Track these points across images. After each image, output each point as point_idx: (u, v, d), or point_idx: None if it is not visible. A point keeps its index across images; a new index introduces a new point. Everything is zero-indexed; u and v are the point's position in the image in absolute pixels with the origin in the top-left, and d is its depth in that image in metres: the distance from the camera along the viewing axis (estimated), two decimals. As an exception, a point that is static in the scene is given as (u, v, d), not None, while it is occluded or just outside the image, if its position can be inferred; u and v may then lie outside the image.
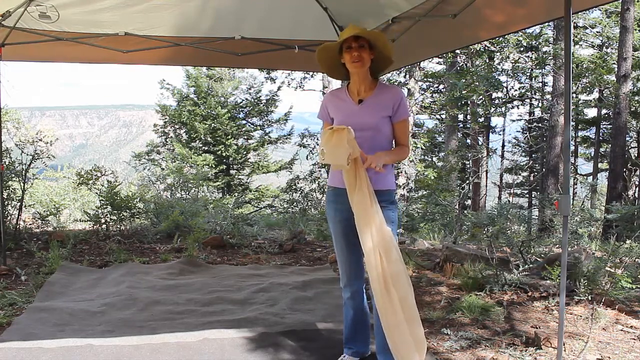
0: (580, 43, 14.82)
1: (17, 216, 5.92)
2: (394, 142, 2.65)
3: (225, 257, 5.53)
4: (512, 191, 16.40)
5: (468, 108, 14.42)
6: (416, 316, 2.42)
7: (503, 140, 17.96)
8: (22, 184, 6.00)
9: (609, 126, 15.27)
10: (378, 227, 2.39)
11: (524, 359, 2.87)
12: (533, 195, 16.54)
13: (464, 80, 11.85)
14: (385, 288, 2.37)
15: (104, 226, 6.39)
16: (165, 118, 16.98)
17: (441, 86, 16.50)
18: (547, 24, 11.97)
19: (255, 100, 17.34)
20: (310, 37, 4.61)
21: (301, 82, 15.29)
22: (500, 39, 12.36)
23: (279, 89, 17.15)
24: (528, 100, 17.54)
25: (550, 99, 12.55)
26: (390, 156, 2.54)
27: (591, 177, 15.95)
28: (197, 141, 16.56)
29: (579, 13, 10.49)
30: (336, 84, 13.63)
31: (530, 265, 4.24)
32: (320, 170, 13.25)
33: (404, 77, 13.72)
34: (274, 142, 17.54)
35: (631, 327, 3.35)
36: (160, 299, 3.92)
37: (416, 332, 2.40)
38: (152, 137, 17.98)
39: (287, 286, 4.30)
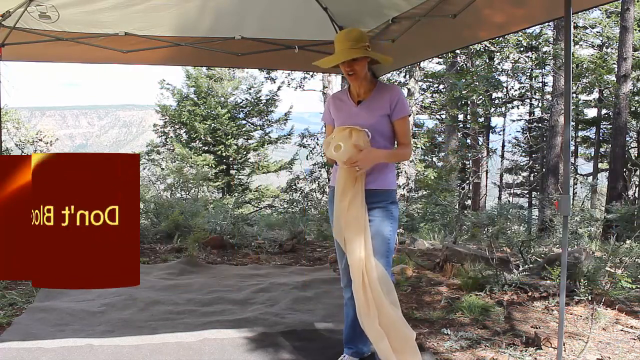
0: (580, 43, 14.82)
1: (17, 216, 5.91)
2: (396, 143, 2.67)
3: (225, 257, 5.53)
4: (512, 191, 16.40)
5: (468, 108, 14.42)
6: (397, 326, 2.46)
7: (503, 140, 17.97)
8: (22, 184, 5.99)
9: (609, 126, 15.28)
10: (367, 241, 2.46)
11: (524, 359, 2.87)
12: (533, 195, 16.55)
13: (464, 80, 11.85)
14: (364, 297, 2.44)
15: (104, 226, 6.38)
16: (165, 118, 16.98)
17: (441, 86, 16.50)
18: (547, 24, 11.98)
19: (255, 100, 17.34)
20: (310, 37, 4.60)
21: (301, 82, 15.27)
22: (500, 39, 12.36)
23: (279, 89, 17.14)
24: (528, 100, 17.55)
25: (550, 99, 12.55)
26: (388, 156, 2.57)
27: (591, 177, 15.96)
28: (197, 141, 16.56)
29: (579, 13, 10.49)
30: (336, 84, 13.64)
31: (530, 265, 4.24)
32: (320, 171, 13.23)
33: (404, 77, 13.71)
34: (274, 142, 17.54)
35: (631, 327, 3.35)
36: (160, 299, 3.92)
37: (399, 342, 2.45)
38: (152, 137, 17.97)
39: (287, 286, 4.30)
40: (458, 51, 12.38)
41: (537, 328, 3.30)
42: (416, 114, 13.30)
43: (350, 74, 2.52)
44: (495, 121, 16.97)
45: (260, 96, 17.41)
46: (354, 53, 2.47)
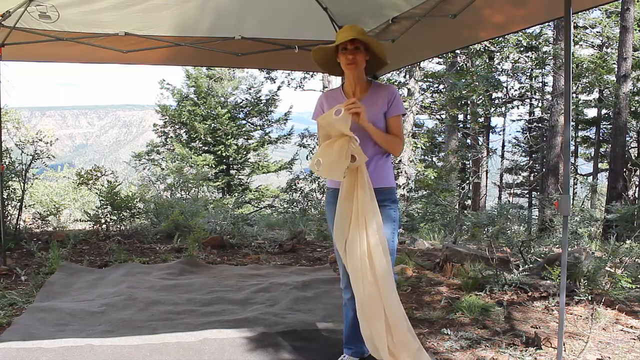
0: (580, 43, 14.82)
1: (17, 216, 5.92)
2: None
3: (225, 257, 5.53)
4: (512, 191, 16.40)
5: (468, 108, 14.42)
6: (398, 326, 2.44)
7: (503, 140, 17.97)
8: (22, 184, 6.00)
9: (609, 126, 15.28)
10: (370, 238, 2.42)
11: (524, 359, 2.87)
12: (533, 195, 16.55)
13: (464, 80, 11.85)
14: (370, 293, 2.41)
15: (104, 226, 6.39)
16: (165, 118, 16.99)
17: (441, 86, 16.50)
18: (547, 24, 11.98)
19: (255, 100, 17.35)
20: (310, 37, 4.61)
21: (301, 82, 15.28)
22: (500, 39, 12.36)
23: (279, 89, 17.17)
24: (528, 100, 17.55)
25: (550, 99, 12.55)
26: (379, 133, 2.52)
27: (591, 177, 15.96)
28: (197, 141, 16.57)
29: (579, 13, 10.49)
30: (336, 84, 13.63)
31: (530, 265, 4.24)
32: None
33: (404, 77, 13.72)
34: (274, 142, 17.55)
35: (631, 327, 3.35)
36: (160, 299, 3.92)
37: (400, 341, 2.44)
38: (152, 137, 17.99)
39: (287, 286, 4.30)
40: (458, 51, 12.39)
41: (537, 328, 3.30)
42: (416, 114, 13.29)
43: (351, 63, 2.51)
44: (495, 121, 16.99)
45: (260, 96, 17.43)
46: (358, 35, 2.48)
